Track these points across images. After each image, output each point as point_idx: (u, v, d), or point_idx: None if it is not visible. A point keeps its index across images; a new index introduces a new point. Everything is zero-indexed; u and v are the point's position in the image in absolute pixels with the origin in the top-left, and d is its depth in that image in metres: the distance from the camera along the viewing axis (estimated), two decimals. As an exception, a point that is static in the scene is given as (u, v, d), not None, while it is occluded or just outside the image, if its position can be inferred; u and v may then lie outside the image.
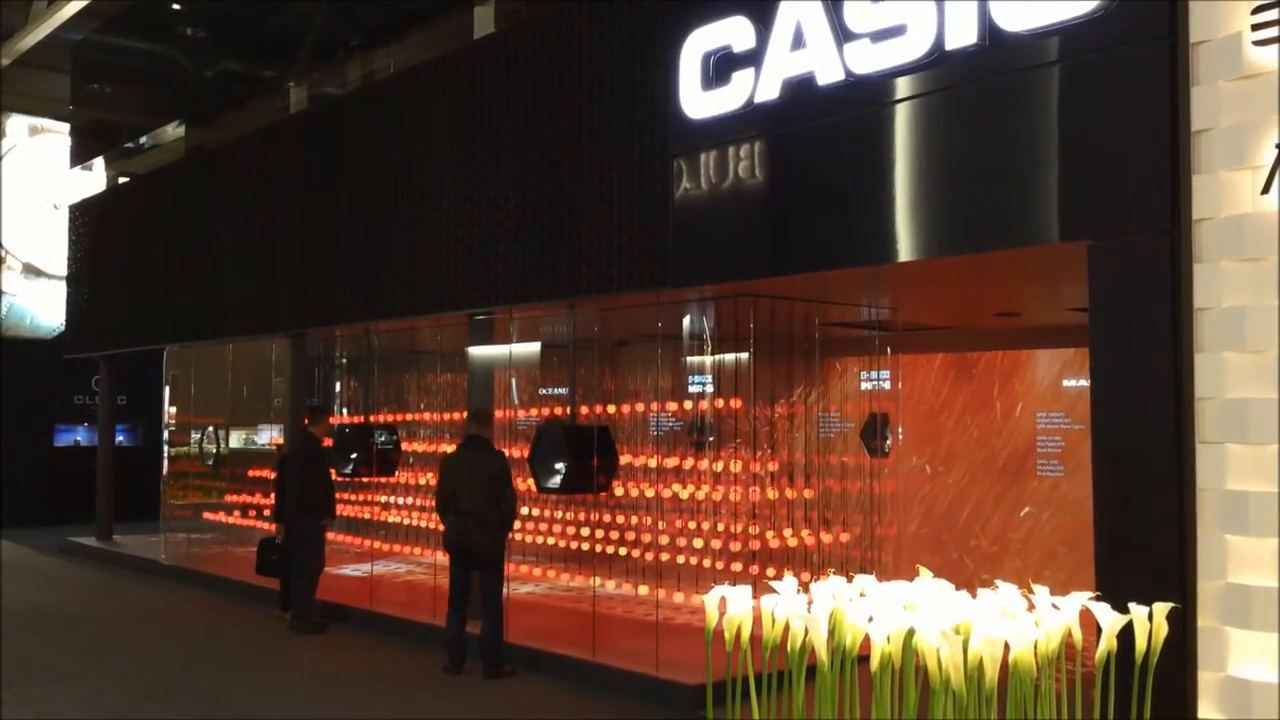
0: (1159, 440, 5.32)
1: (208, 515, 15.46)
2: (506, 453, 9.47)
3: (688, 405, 11.85)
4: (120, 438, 20.08)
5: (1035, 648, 3.29)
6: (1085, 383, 11.77)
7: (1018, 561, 11.96)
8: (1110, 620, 3.54)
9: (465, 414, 10.68)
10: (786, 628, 3.32)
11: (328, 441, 11.14)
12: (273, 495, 11.34)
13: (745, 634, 3.46)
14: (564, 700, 8.09)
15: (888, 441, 11.70)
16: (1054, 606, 3.56)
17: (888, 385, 12.17)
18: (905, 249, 6.56)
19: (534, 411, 13.96)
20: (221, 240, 13.61)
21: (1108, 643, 3.47)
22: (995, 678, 3.23)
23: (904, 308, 9.42)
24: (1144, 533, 5.36)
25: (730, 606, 3.32)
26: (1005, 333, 11.31)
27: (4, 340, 20.37)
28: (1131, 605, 3.74)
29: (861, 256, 6.86)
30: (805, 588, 3.60)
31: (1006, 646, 3.25)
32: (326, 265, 11.66)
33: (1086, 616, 3.67)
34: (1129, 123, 5.55)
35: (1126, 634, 3.68)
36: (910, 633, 3.27)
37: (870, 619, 3.38)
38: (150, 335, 15.26)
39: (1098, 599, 3.73)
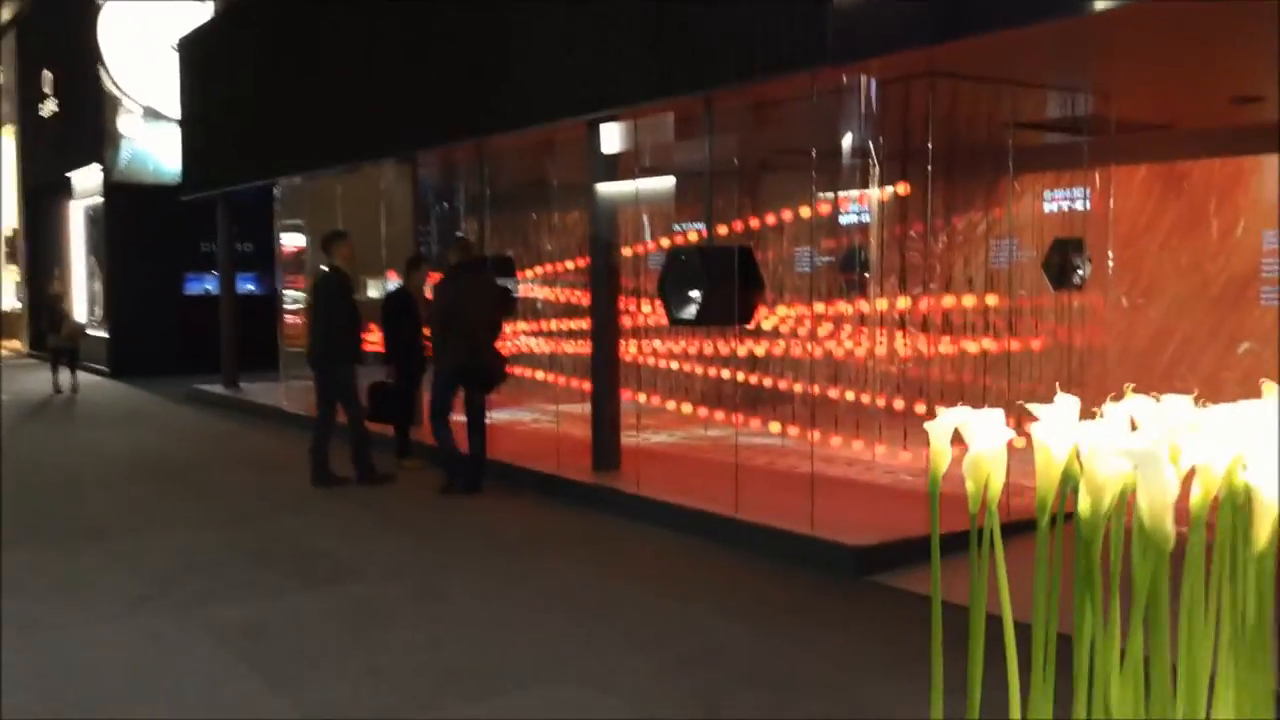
0: None
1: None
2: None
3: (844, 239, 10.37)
4: (249, 285, 19.62)
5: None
6: (1332, 191, 9.81)
7: (1232, 407, 10.23)
8: None
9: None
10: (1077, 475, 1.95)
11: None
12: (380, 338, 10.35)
13: (997, 486, 2.12)
14: (710, 560, 6.94)
15: (1080, 271, 9.97)
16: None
17: (1081, 205, 10.39)
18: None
19: (666, 245, 12.65)
20: (329, 62, 12.51)
21: None
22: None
23: (1117, 94, 7.62)
24: None
25: (972, 440, 2.00)
26: (1238, 132, 9.35)
27: (128, 187, 19.91)
28: None
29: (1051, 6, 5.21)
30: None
31: None
32: (438, 80, 10.41)
33: None
34: None
35: None
36: None
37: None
38: (262, 169, 14.40)
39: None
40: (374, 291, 13.42)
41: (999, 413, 2.14)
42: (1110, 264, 9.65)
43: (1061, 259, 9.64)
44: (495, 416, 11.65)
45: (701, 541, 7.34)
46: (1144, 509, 1.88)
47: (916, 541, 6.63)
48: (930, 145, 6.84)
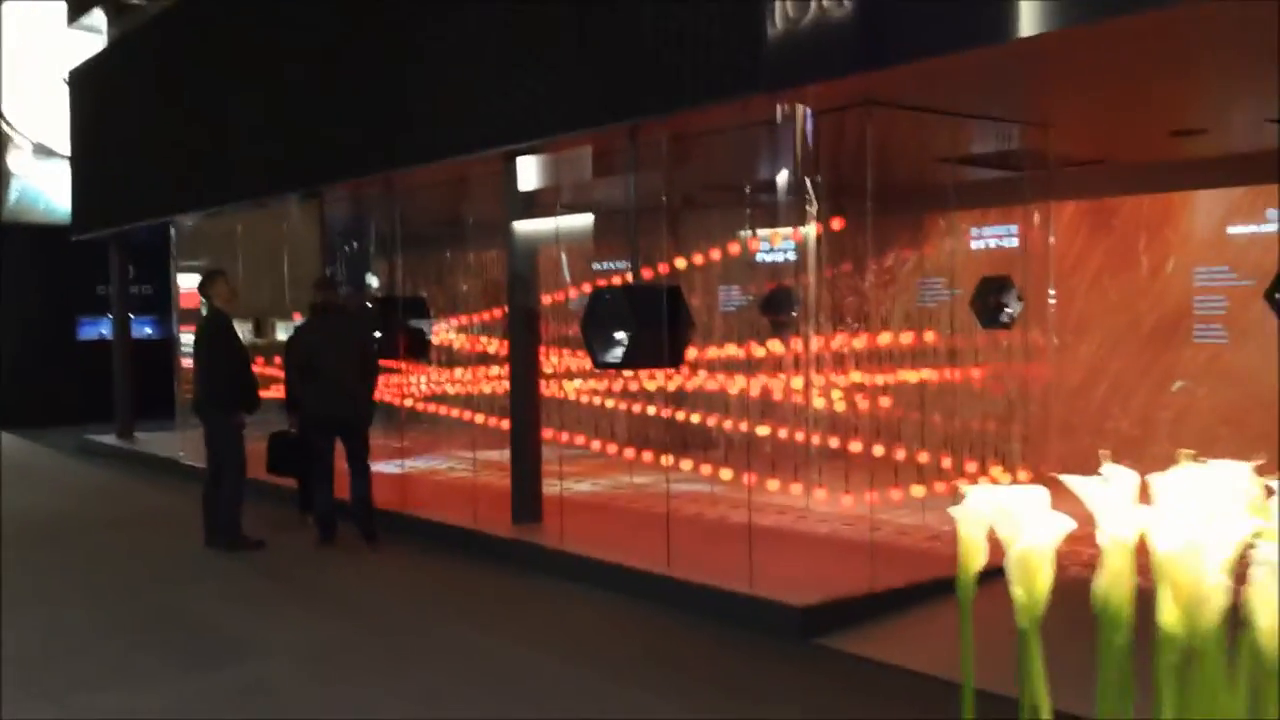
0: None
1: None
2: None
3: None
4: (146, 329, 18.68)
5: None
6: (1258, 228, 9.74)
7: (1167, 445, 9.96)
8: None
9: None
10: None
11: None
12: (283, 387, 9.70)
13: (1044, 588, 1.64)
14: (643, 624, 6.41)
15: (1008, 310, 9.72)
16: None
17: (1012, 242, 10.18)
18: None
19: (587, 289, 12.20)
20: (227, 94, 11.85)
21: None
22: None
23: (1055, 127, 7.35)
24: None
25: (1020, 530, 1.51)
26: (1175, 167, 9.19)
27: (17, 226, 18.85)
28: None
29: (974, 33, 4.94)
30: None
31: None
32: (344, 111, 9.85)
33: None
34: None
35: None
36: None
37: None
38: (156, 207, 13.63)
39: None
40: (282, 334, 12.71)
41: (1043, 493, 1.67)
42: (1052, 301, 9.40)
43: (989, 297, 9.41)
44: (409, 465, 11.04)
45: (632, 602, 6.81)
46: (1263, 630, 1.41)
47: (862, 600, 6.19)
48: (869, 178, 6.46)
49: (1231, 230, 9.65)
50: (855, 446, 9.22)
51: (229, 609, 6.90)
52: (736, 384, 10.06)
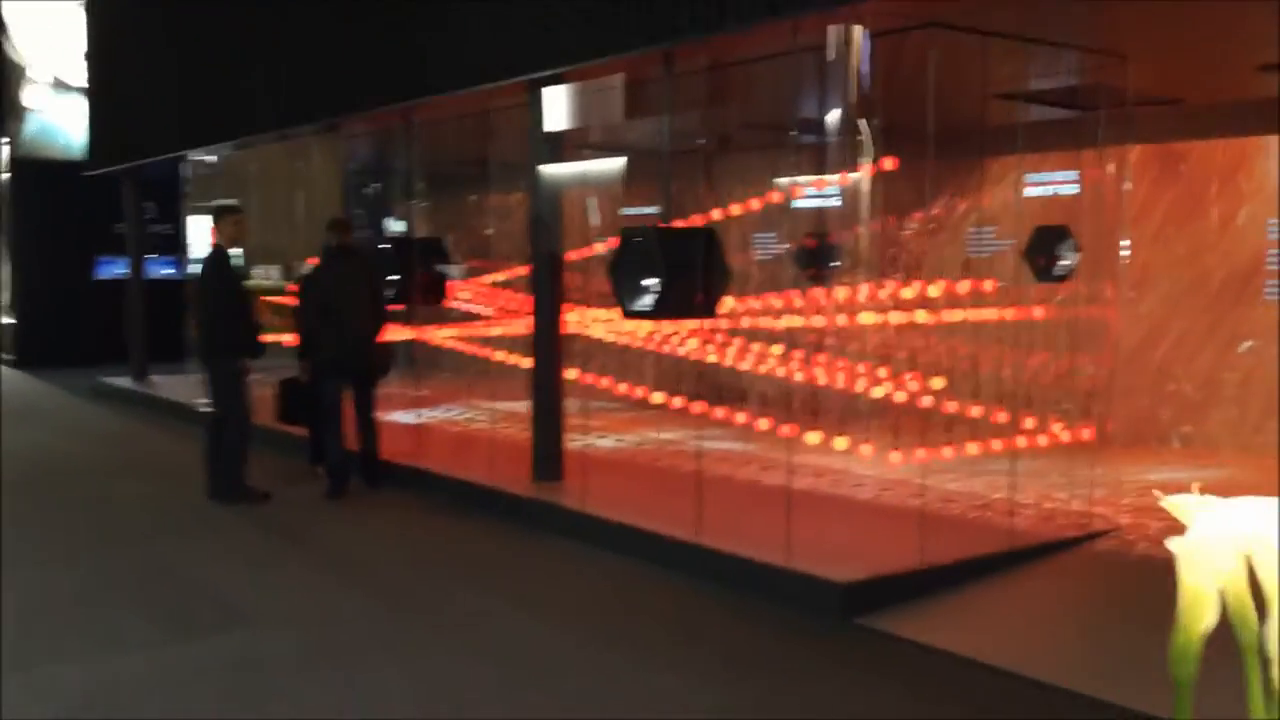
0: None
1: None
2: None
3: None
4: (168, 269, 18.24)
5: None
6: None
7: (1233, 410, 9.39)
8: None
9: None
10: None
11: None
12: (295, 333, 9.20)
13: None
14: (668, 596, 5.90)
15: (1064, 262, 9.06)
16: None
17: (1076, 189, 9.47)
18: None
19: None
20: (245, 23, 11.27)
21: None
22: None
23: (1133, 60, 6.65)
24: None
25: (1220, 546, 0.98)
26: (1252, 107, 8.45)
27: (35, 162, 18.39)
28: None
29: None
30: None
31: None
32: (362, 40, 9.26)
33: None
34: None
35: None
36: None
37: None
38: (171, 141, 13.10)
39: None
40: (292, 278, 12.21)
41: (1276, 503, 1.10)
42: (1125, 254, 8.71)
43: (1044, 248, 8.76)
44: (425, 415, 10.55)
45: (658, 571, 6.29)
46: None
47: (911, 576, 5.64)
48: (930, 115, 5.79)
49: (1312, 179, 8.92)
50: (900, 396, 8.62)
51: (224, 569, 6.44)
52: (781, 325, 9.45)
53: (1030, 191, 9.74)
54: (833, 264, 9.52)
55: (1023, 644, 5.11)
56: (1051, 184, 9.53)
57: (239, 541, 7.11)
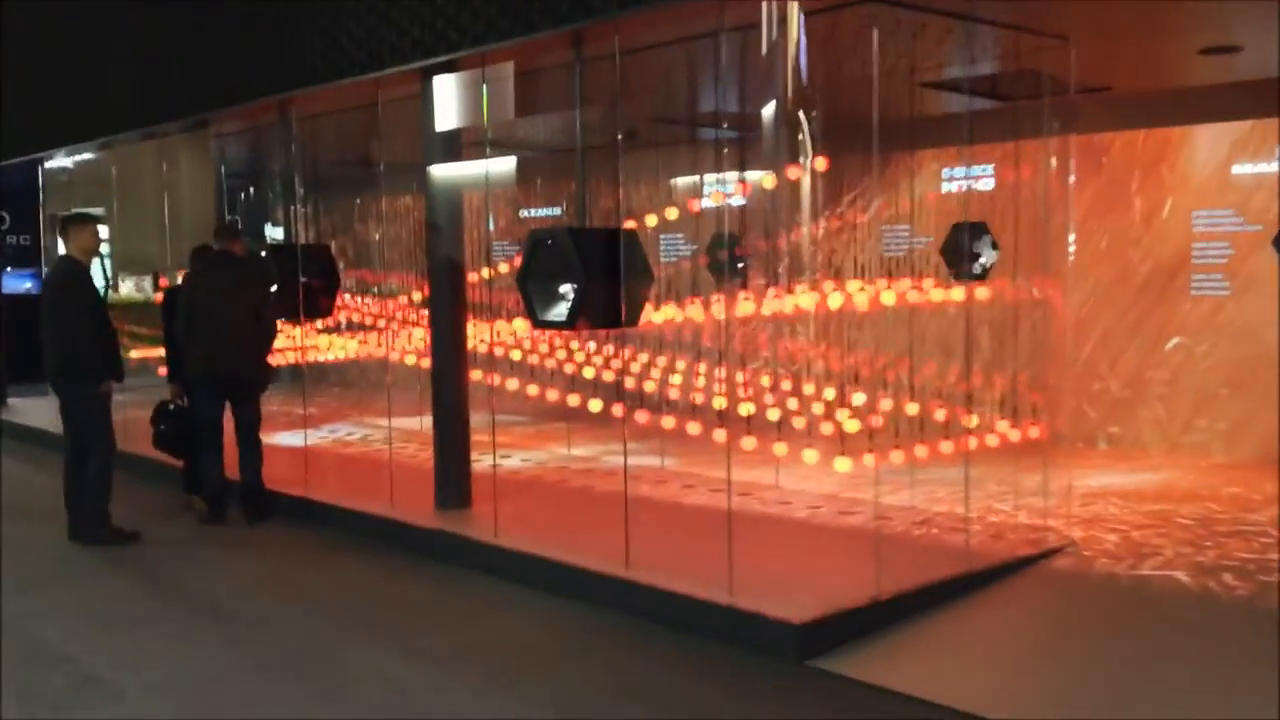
0: None
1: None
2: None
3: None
4: (23, 282, 16.89)
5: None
6: (1267, 167, 8.79)
7: (1160, 409, 9.14)
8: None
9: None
10: None
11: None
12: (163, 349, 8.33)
13: None
14: (597, 642, 5.25)
15: (982, 259, 8.71)
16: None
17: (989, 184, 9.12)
18: None
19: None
20: (104, 13, 10.29)
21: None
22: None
23: (1076, 44, 6.23)
24: None
25: None
26: (1184, 96, 8.16)
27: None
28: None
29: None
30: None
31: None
32: (233, 26, 8.42)
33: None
34: None
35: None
36: None
37: None
38: (23, 144, 12.00)
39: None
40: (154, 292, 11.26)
41: None
42: (1072, 249, 8.35)
43: (960, 244, 8.41)
44: (313, 435, 9.71)
45: (583, 610, 5.64)
46: None
47: (866, 610, 5.10)
48: (874, 103, 5.24)
49: (1237, 170, 8.71)
50: (830, 394, 8.11)
51: (84, 628, 5.58)
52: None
53: (962, 186, 9.39)
54: (745, 266, 9.02)
55: (988, 683, 4.62)
56: (984, 178, 9.18)
57: (102, 592, 6.23)
